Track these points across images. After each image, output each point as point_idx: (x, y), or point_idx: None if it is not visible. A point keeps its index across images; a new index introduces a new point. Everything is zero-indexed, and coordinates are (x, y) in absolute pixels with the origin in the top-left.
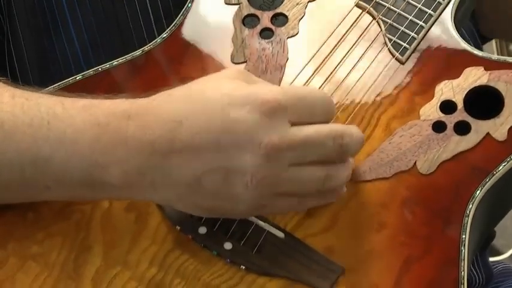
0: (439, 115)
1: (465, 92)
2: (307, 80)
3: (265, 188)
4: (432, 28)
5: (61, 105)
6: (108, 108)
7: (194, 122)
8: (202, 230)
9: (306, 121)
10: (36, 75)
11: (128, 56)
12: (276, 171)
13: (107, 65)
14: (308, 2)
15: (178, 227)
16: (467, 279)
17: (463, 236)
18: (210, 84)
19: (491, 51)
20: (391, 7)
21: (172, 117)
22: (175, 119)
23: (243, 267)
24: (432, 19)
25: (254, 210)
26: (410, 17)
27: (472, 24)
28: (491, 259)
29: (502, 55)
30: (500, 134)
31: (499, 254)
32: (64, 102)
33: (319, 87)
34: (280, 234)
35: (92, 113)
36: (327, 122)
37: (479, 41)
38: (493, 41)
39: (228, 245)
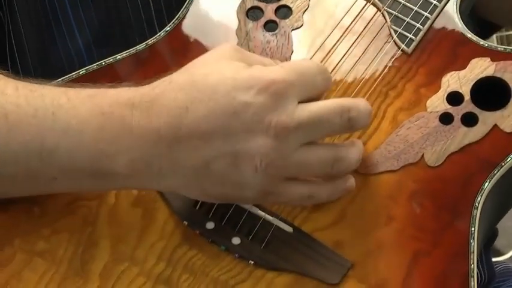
0: (446, 107)
1: (472, 83)
2: None
3: (274, 171)
4: (437, 19)
5: (65, 95)
6: (111, 97)
7: (200, 107)
8: (210, 225)
9: (310, 94)
10: (38, 71)
11: (132, 50)
12: (286, 152)
13: (110, 59)
14: None
15: (185, 222)
16: None
17: (472, 229)
18: (211, 68)
19: None
20: None
21: (177, 104)
22: (180, 105)
23: (252, 262)
24: (437, 10)
25: (262, 196)
26: (415, 8)
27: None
28: (493, 259)
29: None
30: (507, 125)
31: (500, 254)
32: (68, 92)
33: None
34: (289, 229)
35: (96, 103)
36: (326, 90)
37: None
38: (494, 37)
39: (236, 240)
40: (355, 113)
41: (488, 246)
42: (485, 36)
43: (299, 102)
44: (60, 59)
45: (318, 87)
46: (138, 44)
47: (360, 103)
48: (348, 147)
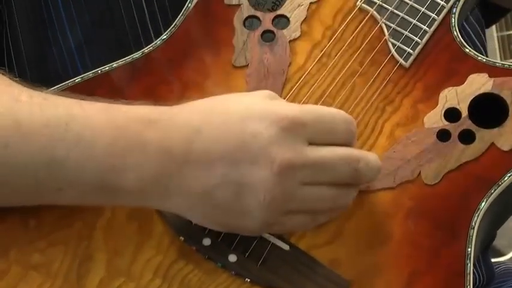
0: (443, 123)
1: (469, 100)
2: (311, 84)
3: (277, 206)
4: (436, 32)
5: (79, 106)
6: (127, 111)
7: (212, 132)
8: (207, 241)
9: (325, 141)
10: (34, 73)
11: (128, 58)
12: (289, 189)
13: (106, 67)
14: (310, 3)
15: (182, 238)
16: None
17: (469, 249)
18: (234, 97)
19: (493, 50)
20: (395, 11)
21: (191, 126)
22: (194, 127)
23: (248, 280)
24: (436, 23)
25: (265, 228)
26: (414, 21)
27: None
28: (492, 260)
29: (504, 56)
30: (505, 144)
31: (500, 255)
32: (82, 103)
33: (322, 92)
34: (285, 247)
35: (110, 116)
36: (347, 143)
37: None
38: (495, 36)
39: (232, 257)
40: (363, 164)
41: (486, 248)
42: (491, 22)
43: (312, 144)
44: (54, 60)
45: (337, 135)
46: (132, 46)
47: (370, 157)
48: (353, 187)
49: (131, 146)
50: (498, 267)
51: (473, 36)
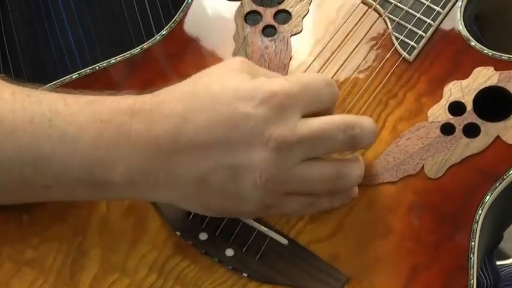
0: (447, 117)
1: (474, 93)
2: None
3: (274, 186)
4: (441, 26)
5: (63, 101)
6: (111, 104)
7: (200, 117)
8: (203, 236)
9: (314, 108)
10: (29, 69)
11: (126, 54)
12: (286, 167)
13: (104, 63)
14: None
15: (178, 233)
16: None
17: (472, 243)
18: (215, 78)
19: None
20: (398, 4)
21: (177, 113)
22: (180, 114)
23: (245, 275)
24: (441, 16)
25: (263, 210)
26: (418, 15)
27: (476, 27)
28: (498, 262)
29: None
30: (510, 137)
31: (506, 257)
32: (66, 98)
33: None
34: (284, 241)
35: (94, 110)
36: (333, 104)
37: (483, 41)
38: None
39: (229, 252)
40: (358, 130)
41: (492, 251)
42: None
43: (303, 117)
44: (51, 57)
45: (324, 101)
46: (133, 43)
47: (364, 121)
48: (352, 163)
49: (117, 138)
50: (504, 270)
51: None
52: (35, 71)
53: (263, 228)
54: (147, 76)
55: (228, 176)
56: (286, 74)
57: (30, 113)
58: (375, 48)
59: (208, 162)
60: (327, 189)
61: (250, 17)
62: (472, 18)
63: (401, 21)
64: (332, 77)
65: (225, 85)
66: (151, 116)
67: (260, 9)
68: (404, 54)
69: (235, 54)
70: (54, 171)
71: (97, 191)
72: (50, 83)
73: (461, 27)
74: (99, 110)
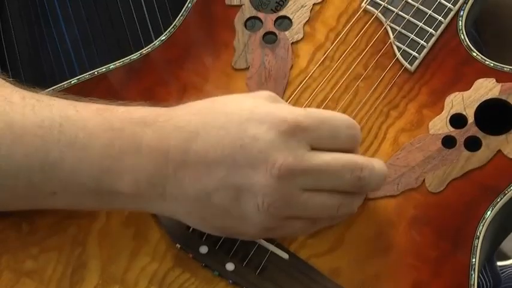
0: (449, 129)
1: (476, 105)
2: (313, 88)
3: (276, 211)
4: (442, 36)
5: (74, 107)
6: (123, 113)
7: (211, 134)
8: (204, 249)
9: (327, 146)
10: (28, 72)
11: (126, 59)
12: (288, 194)
13: (103, 69)
14: (313, 4)
15: (178, 245)
16: None
17: (473, 260)
18: (233, 99)
19: None
20: (400, 13)
21: (189, 128)
22: (192, 129)
23: None
24: (442, 26)
25: (263, 233)
26: (420, 24)
27: (474, 31)
28: (499, 263)
29: None
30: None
31: (507, 258)
32: (77, 105)
33: (325, 96)
34: (284, 255)
35: (106, 117)
36: (351, 148)
37: (482, 45)
38: None
39: (230, 266)
40: (367, 172)
41: (492, 254)
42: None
43: (314, 149)
44: (49, 59)
45: (340, 141)
46: (131, 47)
47: (375, 164)
48: (355, 195)
49: (127, 147)
50: (505, 271)
51: None
52: (33, 75)
53: (264, 243)
54: (147, 82)
55: (231, 196)
56: (287, 82)
57: (41, 118)
58: (377, 57)
59: (213, 180)
60: (329, 216)
61: (250, 23)
62: (471, 25)
63: (403, 31)
64: (333, 86)
65: (241, 106)
66: (163, 128)
67: (261, 15)
68: (406, 64)
69: (235, 61)
70: (62, 178)
71: (103, 200)
72: (47, 86)
73: (463, 37)
74: (111, 119)
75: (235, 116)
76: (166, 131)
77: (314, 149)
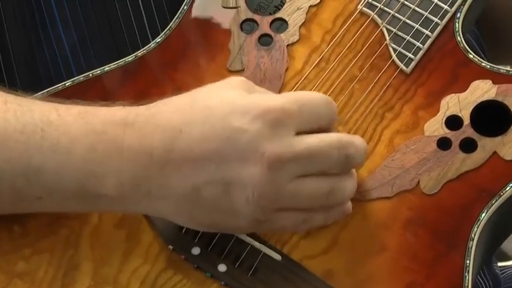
0: (444, 131)
1: (472, 107)
2: (308, 89)
3: (266, 203)
4: (439, 37)
5: (55, 111)
6: (104, 115)
7: (194, 130)
8: (196, 250)
9: (311, 126)
10: (24, 76)
11: (121, 62)
12: (279, 184)
13: (98, 71)
14: (309, 6)
15: (170, 247)
16: (474, 287)
17: (467, 262)
18: (212, 93)
19: None
20: (396, 15)
21: (171, 126)
22: (174, 127)
23: None
24: (439, 28)
25: (255, 226)
26: (416, 26)
27: (476, 29)
28: (500, 264)
29: None
30: (507, 153)
31: (508, 259)
32: (59, 108)
33: None
34: (277, 257)
35: (87, 121)
36: (330, 125)
37: (483, 44)
38: None
39: (222, 267)
40: (353, 149)
41: (490, 255)
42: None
43: (298, 134)
44: (46, 63)
45: (321, 120)
46: (129, 50)
47: (357, 140)
48: (344, 179)
49: (109, 150)
50: (505, 271)
51: None
52: (29, 79)
53: (256, 244)
54: (142, 84)
55: (220, 190)
56: (282, 84)
57: (22, 123)
58: (372, 59)
59: (201, 176)
60: (320, 205)
61: (246, 25)
62: (472, 24)
63: (399, 32)
64: (328, 88)
65: (221, 99)
66: (144, 128)
67: (257, 17)
68: (402, 66)
69: (230, 63)
70: (46, 183)
71: (89, 203)
72: (44, 90)
73: (459, 39)
74: (92, 121)
75: (217, 110)
76: (147, 131)
77: (299, 133)
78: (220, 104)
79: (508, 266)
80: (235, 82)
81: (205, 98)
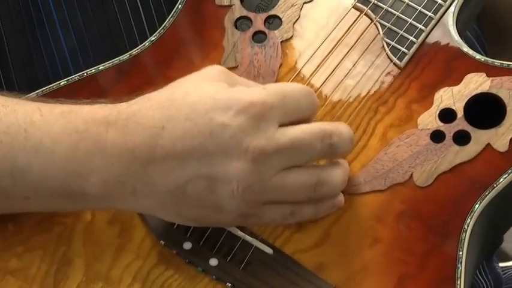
0: (437, 124)
1: (466, 100)
2: None
3: (252, 196)
4: (432, 32)
5: (38, 112)
6: (87, 114)
7: (177, 127)
8: (187, 245)
9: (293, 118)
10: (21, 78)
11: (115, 60)
12: (264, 177)
13: (92, 70)
14: (303, 3)
15: (162, 242)
16: (475, 287)
17: (460, 253)
18: (192, 87)
19: None
20: (390, 9)
21: (153, 123)
22: (156, 124)
23: (230, 285)
24: (432, 22)
25: (241, 220)
26: (409, 20)
27: (477, 26)
28: (501, 264)
29: None
30: (501, 145)
31: (509, 259)
32: (42, 108)
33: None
34: (269, 250)
35: (70, 120)
36: (311, 116)
37: (484, 42)
38: None
39: (213, 261)
40: (336, 138)
41: (490, 255)
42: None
43: (281, 126)
44: (43, 64)
45: (302, 111)
46: (128, 49)
47: (342, 128)
48: (332, 169)
49: (92, 149)
50: (507, 271)
51: None
52: (27, 81)
53: (248, 238)
54: (136, 82)
55: (205, 186)
56: (276, 81)
57: (6, 124)
58: (366, 54)
59: (185, 172)
60: (307, 197)
61: (240, 23)
62: (472, 21)
63: (393, 27)
64: (322, 83)
65: (201, 94)
66: (126, 126)
67: (251, 14)
68: (395, 60)
69: (224, 60)
70: (32, 183)
71: (77, 201)
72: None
73: (453, 33)
74: (75, 120)
75: (198, 106)
76: (129, 129)
77: (282, 125)
78: (201, 99)
79: (509, 266)
80: (212, 73)
81: (185, 94)
